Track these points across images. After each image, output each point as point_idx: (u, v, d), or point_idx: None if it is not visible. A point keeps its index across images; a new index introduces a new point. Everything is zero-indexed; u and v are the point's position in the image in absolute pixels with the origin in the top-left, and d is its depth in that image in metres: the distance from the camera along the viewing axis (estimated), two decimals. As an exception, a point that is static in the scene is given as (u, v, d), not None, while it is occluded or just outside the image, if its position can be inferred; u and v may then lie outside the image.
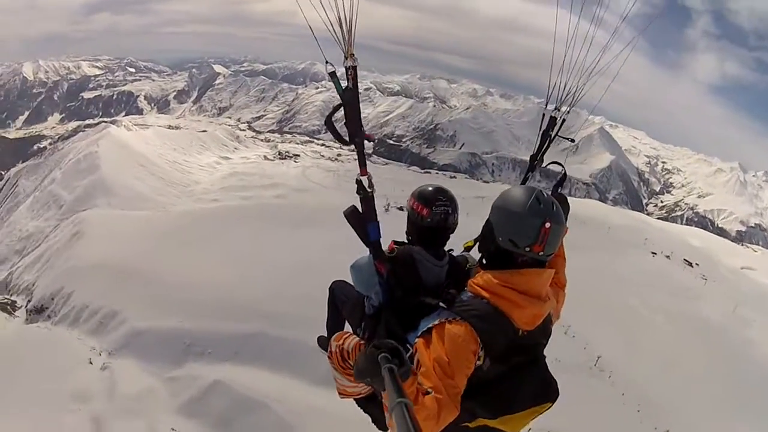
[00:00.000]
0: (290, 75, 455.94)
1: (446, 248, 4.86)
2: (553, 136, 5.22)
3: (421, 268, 4.60)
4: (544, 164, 5.39)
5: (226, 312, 26.21)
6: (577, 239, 37.23)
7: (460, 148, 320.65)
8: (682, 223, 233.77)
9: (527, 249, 3.58)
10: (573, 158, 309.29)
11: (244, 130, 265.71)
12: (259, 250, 33.86)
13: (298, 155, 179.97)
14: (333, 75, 3.99)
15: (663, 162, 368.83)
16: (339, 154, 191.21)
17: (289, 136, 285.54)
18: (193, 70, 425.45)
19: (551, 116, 5.21)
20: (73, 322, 34.26)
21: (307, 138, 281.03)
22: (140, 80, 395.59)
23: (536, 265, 3.69)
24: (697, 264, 42.16)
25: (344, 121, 4.16)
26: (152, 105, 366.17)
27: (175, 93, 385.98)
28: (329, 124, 4.11)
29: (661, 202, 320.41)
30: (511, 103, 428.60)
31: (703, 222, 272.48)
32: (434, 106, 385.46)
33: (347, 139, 4.11)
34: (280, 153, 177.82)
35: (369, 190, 4.27)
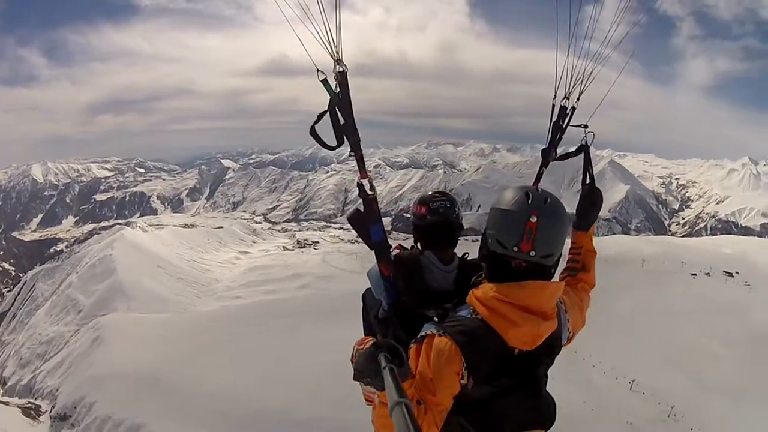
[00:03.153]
0: (299, 162, 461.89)
1: (462, 253, 4.80)
2: (564, 126, 4.95)
3: (426, 272, 4.57)
4: (557, 157, 5.07)
5: (254, 422, 25.30)
6: (616, 281, 36.57)
7: (477, 210, 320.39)
8: (707, 234, 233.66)
9: (515, 249, 3.29)
10: None
11: (260, 222, 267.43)
12: (286, 350, 33.03)
13: (317, 242, 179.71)
14: (324, 82, 4.00)
15: (676, 179, 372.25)
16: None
17: (305, 223, 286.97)
18: (203, 166, 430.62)
19: (561, 106, 4.91)
20: None
21: (324, 223, 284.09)
22: (151, 180, 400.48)
23: (538, 276, 3.36)
24: (737, 272, 41.66)
25: (340, 124, 4.13)
26: (166, 204, 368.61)
27: (187, 191, 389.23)
28: (313, 133, 4.06)
29: (682, 218, 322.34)
30: (519, 156, 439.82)
31: (727, 226, 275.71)
32: (444, 172, 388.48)
33: (332, 145, 4.12)
34: (298, 242, 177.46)
35: (370, 192, 4.26)
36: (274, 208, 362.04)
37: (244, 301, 75.68)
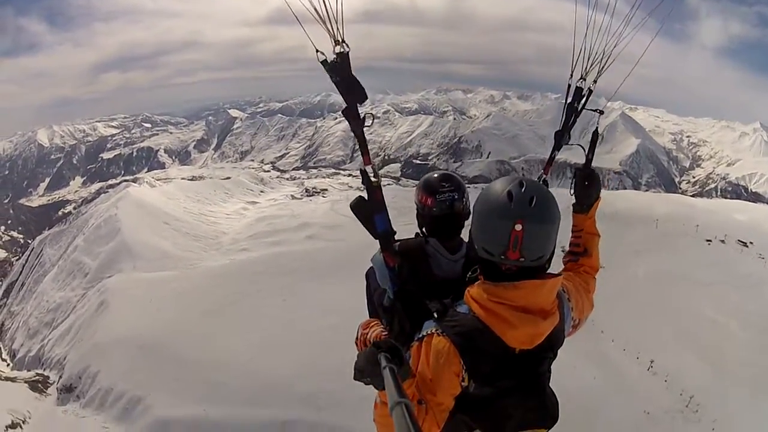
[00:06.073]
0: (307, 109, 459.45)
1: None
2: (579, 108, 4.78)
3: (432, 261, 4.54)
4: (569, 142, 4.92)
5: (255, 395, 24.29)
6: (630, 242, 34.96)
7: (488, 158, 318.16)
8: (716, 195, 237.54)
9: (502, 257, 3.21)
10: (600, 149, 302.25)
11: (268, 171, 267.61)
12: (290, 312, 32.24)
13: (326, 189, 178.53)
14: (324, 63, 3.93)
15: (688, 136, 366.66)
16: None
17: (314, 171, 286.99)
18: (210, 117, 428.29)
19: (577, 87, 4.71)
20: (100, 405, 33.49)
21: (333, 170, 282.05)
22: (158, 134, 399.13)
23: (531, 275, 3.27)
24: (751, 243, 40.22)
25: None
26: (173, 158, 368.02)
27: (194, 143, 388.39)
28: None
29: (693, 177, 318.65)
30: (529, 104, 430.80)
31: (737, 190, 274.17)
32: (454, 119, 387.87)
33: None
34: (307, 190, 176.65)
35: (374, 179, 4.27)
36: (282, 156, 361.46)
37: (250, 254, 75.02)
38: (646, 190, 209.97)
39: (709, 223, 42.39)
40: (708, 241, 39.49)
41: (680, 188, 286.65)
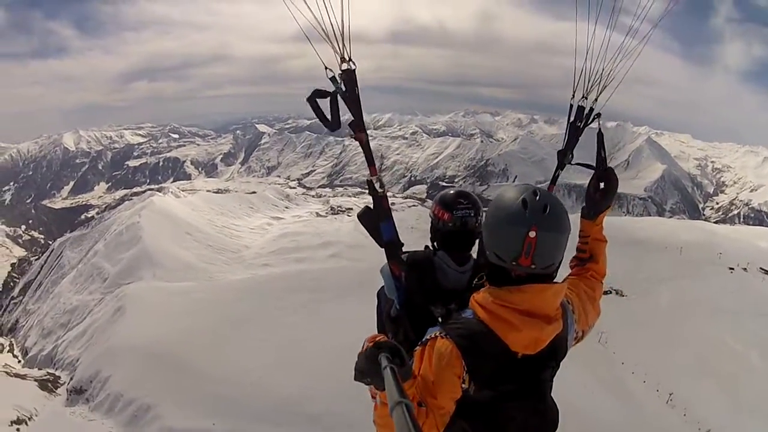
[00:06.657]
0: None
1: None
2: (582, 127, 4.92)
3: (439, 272, 4.61)
4: (573, 161, 5.05)
5: (266, 412, 23.82)
6: (657, 270, 34.54)
7: (514, 181, 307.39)
8: (739, 222, 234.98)
9: (514, 263, 3.25)
10: (625, 174, 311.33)
11: (294, 187, 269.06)
12: (307, 331, 31.83)
13: (351, 208, 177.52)
14: (333, 80, 4.09)
15: (712, 161, 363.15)
16: (393, 203, 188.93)
17: (340, 189, 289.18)
18: (238, 131, 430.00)
19: (579, 106, 4.84)
20: (109, 410, 32.86)
21: (359, 189, 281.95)
22: (185, 145, 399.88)
23: (539, 280, 3.31)
24: None
25: (338, 112, 4.19)
26: (200, 169, 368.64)
27: (221, 156, 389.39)
28: (312, 102, 4.18)
29: (716, 203, 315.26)
30: (556, 128, 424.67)
31: (759, 216, 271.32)
32: (482, 141, 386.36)
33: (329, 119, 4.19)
34: (332, 208, 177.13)
35: (380, 190, 4.38)
36: (309, 173, 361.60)
37: (272, 269, 74.54)
38: (671, 217, 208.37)
39: (732, 251, 41.89)
40: (731, 268, 39.01)
41: (704, 214, 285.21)
